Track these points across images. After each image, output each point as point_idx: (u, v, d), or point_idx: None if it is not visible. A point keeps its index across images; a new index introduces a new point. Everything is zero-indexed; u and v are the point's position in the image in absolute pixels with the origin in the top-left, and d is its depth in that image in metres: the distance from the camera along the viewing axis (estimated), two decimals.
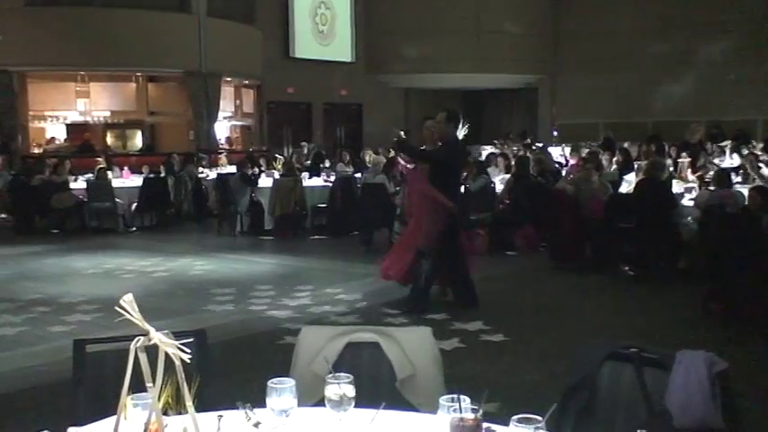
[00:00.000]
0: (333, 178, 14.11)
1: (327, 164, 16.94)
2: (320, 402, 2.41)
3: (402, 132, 8.34)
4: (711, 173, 11.59)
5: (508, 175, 12.83)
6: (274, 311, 8.17)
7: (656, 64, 26.41)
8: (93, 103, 21.74)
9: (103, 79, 21.71)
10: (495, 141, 20.77)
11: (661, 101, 26.37)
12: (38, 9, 19.44)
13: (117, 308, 1.85)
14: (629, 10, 27.24)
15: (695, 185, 10.83)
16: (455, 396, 2.09)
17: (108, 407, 2.40)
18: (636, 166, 13.09)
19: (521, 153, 15.94)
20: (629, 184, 11.25)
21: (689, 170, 12.55)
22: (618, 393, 2.65)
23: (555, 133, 28.51)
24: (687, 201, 10.04)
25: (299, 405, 2.29)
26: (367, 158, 16.32)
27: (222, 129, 23.92)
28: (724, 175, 9.97)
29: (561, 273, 9.88)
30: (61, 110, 21.55)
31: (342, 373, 2.31)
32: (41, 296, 9.02)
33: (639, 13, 27.08)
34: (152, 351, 1.88)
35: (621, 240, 9.66)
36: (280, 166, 14.90)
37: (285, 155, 19.21)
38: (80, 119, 21.77)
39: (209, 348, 3.04)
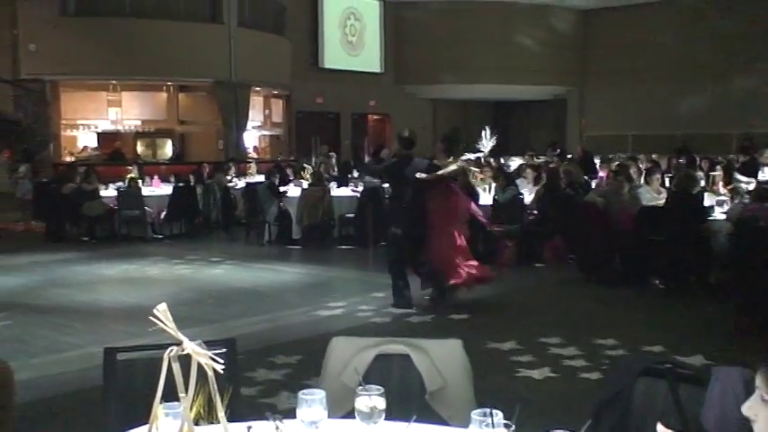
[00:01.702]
0: (360, 188, 14.10)
1: (356, 174, 16.94)
2: (349, 414, 2.40)
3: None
4: (743, 185, 11.47)
5: (537, 187, 12.76)
6: (302, 321, 8.17)
7: (686, 75, 26.22)
8: (125, 111, 21.95)
9: (135, 88, 21.91)
10: (531, 153, 20.66)
11: (690, 113, 26.14)
12: (71, 19, 19.65)
13: (151, 317, 1.84)
14: (658, 22, 27.11)
15: (727, 198, 10.69)
16: (488, 410, 2.06)
17: (138, 415, 2.40)
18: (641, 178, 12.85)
19: (552, 165, 15.86)
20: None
21: (721, 183, 12.40)
22: (652, 410, 2.61)
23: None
24: (719, 214, 9.92)
25: (329, 417, 2.27)
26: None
27: (251, 138, 24.04)
28: (763, 189, 9.81)
29: (590, 285, 9.80)
30: (93, 118, 21.76)
31: (372, 385, 2.29)
32: (72, 303, 9.09)
33: (668, 25, 26.92)
34: (184, 360, 1.87)
35: (652, 253, 9.55)
36: (308, 176, 14.92)
37: (313, 164, 19.22)
38: (111, 127, 21.97)
39: (239, 357, 3.04)
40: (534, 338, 7.22)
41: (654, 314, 8.36)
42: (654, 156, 18.04)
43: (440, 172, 8.53)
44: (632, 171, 12.98)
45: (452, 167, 8.75)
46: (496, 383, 5.65)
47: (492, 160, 18.15)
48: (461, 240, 8.72)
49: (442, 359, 2.98)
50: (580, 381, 5.91)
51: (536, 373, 6.17)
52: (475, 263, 8.68)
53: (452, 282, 8.58)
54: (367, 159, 18.02)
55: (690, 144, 22.27)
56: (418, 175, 8.44)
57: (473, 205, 9.35)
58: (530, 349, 6.88)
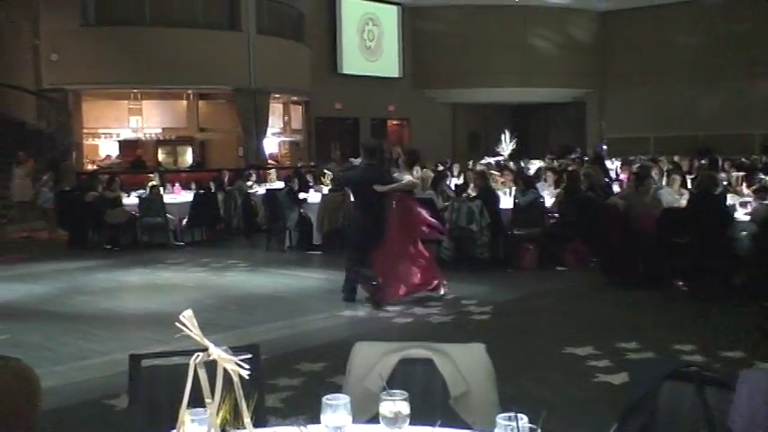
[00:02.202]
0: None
1: None
2: (373, 419, 2.39)
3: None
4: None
5: (557, 190, 12.72)
6: (323, 326, 8.18)
7: (707, 76, 26.07)
8: (146, 120, 22.10)
9: (155, 97, 22.06)
10: (550, 156, 20.61)
11: (712, 114, 25.98)
12: (92, 29, 19.83)
13: (177, 323, 1.85)
14: (677, 22, 26.98)
15: (750, 199, 10.60)
16: (513, 414, 2.05)
17: (162, 421, 2.41)
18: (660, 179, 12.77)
19: (572, 168, 15.81)
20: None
21: (744, 184, 12.31)
22: (679, 414, 2.59)
23: (604, 147, 28.26)
24: (742, 215, 9.83)
25: (353, 422, 2.27)
26: (415, 174, 16.27)
27: (271, 144, 24.12)
28: None
29: (612, 288, 9.74)
30: (114, 127, 21.93)
31: (396, 390, 2.29)
32: (95, 310, 9.14)
33: (688, 26, 26.79)
34: (209, 366, 1.88)
35: (674, 255, 9.48)
36: (328, 182, 14.94)
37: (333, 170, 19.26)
38: (132, 136, 22.13)
39: (261, 363, 3.04)
40: (555, 341, 7.19)
41: (677, 317, 8.28)
42: (676, 157, 17.92)
43: (394, 185, 8.96)
44: (654, 173, 12.93)
45: (407, 179, 9.23)
46: (522, 386, 5.63)
47: (511, 163, 18.12)
48: (414, 249, 9.14)
49: (465, 363, 2.97)
50: (601, 384, 5.87)
51: (556, 377, 6.15)
52: (418, 270, 9.09)
53: (383, 296, 8.91)
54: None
55: (712, 145, 22.12)
56: (376, 186, 8.80)
57: (428, 217, 9.61)
58: (550, 352, 6.85)
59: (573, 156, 20.48)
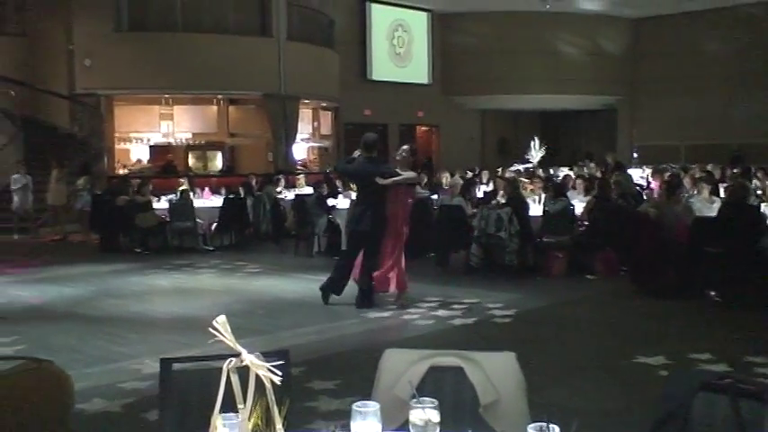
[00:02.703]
0: (409, 200, 14.07)
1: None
2: (403, 427, 2.39)
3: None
4: None
5: (588, 198, 12.64)
6: (351, 332, 8.19)
7: (740, 83, 25.81)
8: (176, 125, 22.27)
9: (186, 102, 22.23)
10: (581, 163, 20.51)
11: (745, 122, 25.70)
12: (124, 35, 20.04)
13: (209, 328, 1.86)
14: (710, 30, 26.74)
15: None
16: (544, 424, 2.04)
17: (192, 426, 2.42)
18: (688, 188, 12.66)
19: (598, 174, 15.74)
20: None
21: None
22: (712, 426, 2.55)
23: (634, 155, 28.08)
24: None
25: (383, 429, 2.26)
26: (443, 180, 16.28)
27: (300, 150, 24.19)
28: None
29: (643, 297, 9.65)
30: (145, 132, 22.12)
31: (426, 398, 2.28)
32: (125, 313, 9.22)
33: (721, 33, 26.55)
34: (242, 372, 1.88)
35: (707, 265, 9.38)
36: (357, 187, 14.94)
37: None
38: (163, 140, 22.30)
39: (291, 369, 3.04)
40: (585, 350, 7.14)
41: (710, 327, 8.19)
42: (709, 166, 17.76)
43: (397, 178, 9.09)
44: (685, 181, 12.83)
45: (409, 174, 9.39)
46: (553, 396, 5.59)
47: (541, 171, 18.05)
48: (400, 245, 9.29)
49: (495, 372, 2.95)
50: (633, 394, 5.82)
51: (587, 386, 6.11)
52: (397, 272, 9.28)
53: (380, 288, 9.26)
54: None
55: (744, 154, 21.89)
56: (382, 180, 8.98)
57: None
58: (581, 362, 6.80)
59: (591, 164, 20.36)
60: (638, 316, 8.80)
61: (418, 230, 12.82)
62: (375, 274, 9.22)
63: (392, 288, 9.31)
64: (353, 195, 14.17)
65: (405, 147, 9.93)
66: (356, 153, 9.52)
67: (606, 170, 17.35)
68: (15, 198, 16.65)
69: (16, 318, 8.99)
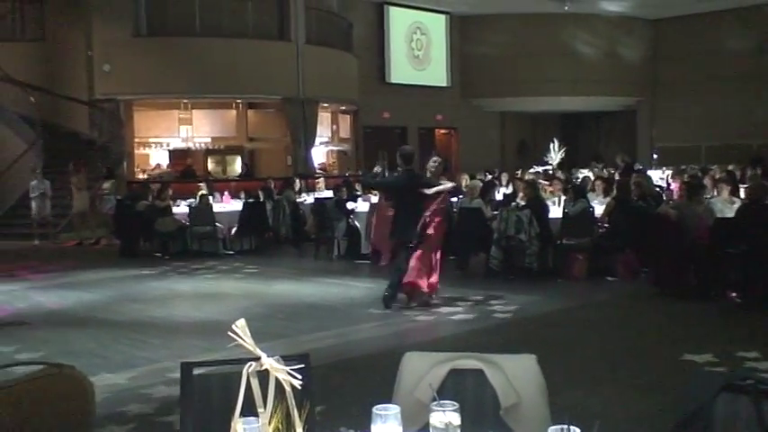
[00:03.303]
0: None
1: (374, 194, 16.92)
2: (423, 430, 2.39)
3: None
4: None
5: (607, 199, 12.58)
6: (372, 335, 8.19)
7: (761, 84, 25.59)
8: (195, 129, 22.36)
9: (205, 106, 22.32)
10: (601, 164, 20.43)
11: (766, 123, 25.47)
12: (144, 40, 20.15)
13: (229, 332, 1.87)
14: (731, 30, 26.55)
15: None
16: (565, 427, 2.03)
17: (213, 430, 2.43)
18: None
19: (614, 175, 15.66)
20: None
21: None
22: (734, 428, 2.54)
23: (654, 156, 27.93)
24: None
25: None
26: (463, 183, 16.26)
27: (319, 154, 24.24)
28: None
29: (663, 299, 9.59)
30: (165, 136, 22.22)
31: (446, 401, 2.28)
32: (146, 318, 9.27)
33: (741, 33, 26.35)
34: (261, 375, 1.89)
35: (728, 265, 9.31)
36: (376, 191, 14.95)
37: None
38: (182, 145, 22.40)
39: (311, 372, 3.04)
40: (606, 353, 7.11)
41: (732, 329, 8.13)
42: (730, 166, 17.63)
43: (440, 187, 9.42)
44: (706, 182, 12.75)
45: (449, 184, 9.92)
46: (573, 398, 5.57)
47: (560, 173, 17.98)
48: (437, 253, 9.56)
49: (516, 374, 2.95)
50: (654, 396, 5.78)
51: (608, 389, 6.08)
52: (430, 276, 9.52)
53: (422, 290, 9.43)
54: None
55: (765, 154, 21.71)
56: (427, 190, 9.26)
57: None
58: (602, 364, 6.77)
59: (600, 165, 20.24)
60: (659, 318, 8.75)
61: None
62: (411, 279, 9.36)
63: (424, 288, 9.44)
64: (374, 200, 14.23)
65: (435, 158, 10.12)
66: (377, 168, 9.77)
67: (616, 171, 17.23)
68: (33, 204, 16.73)
69: (38, 323, 9.05)
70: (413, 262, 9.27)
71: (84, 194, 16.78)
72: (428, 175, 9.66)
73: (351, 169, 24.14)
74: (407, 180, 9.31)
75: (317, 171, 22.84)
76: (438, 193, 9.35)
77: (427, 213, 9.29)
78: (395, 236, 9.51)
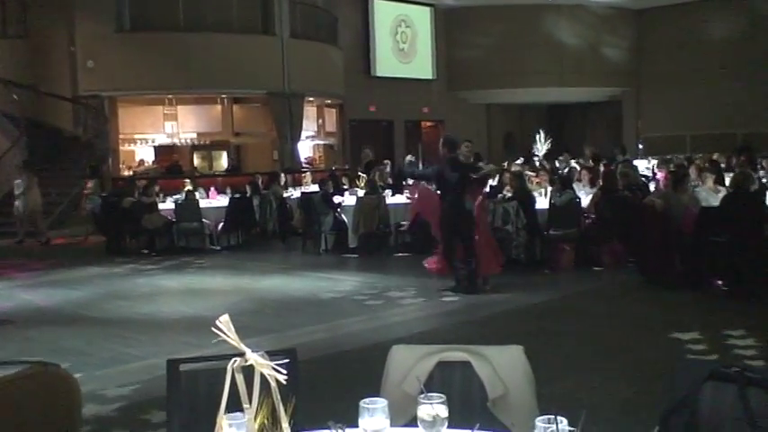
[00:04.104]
0: (416, 196, 14.05)
1: (410, 181, 16.91)
2: (411, 422, 2.39)
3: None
4: None
5: (593, 190, 12.62)
6: (360, 329, 8.19)
7: (746, 73, 25.67)
8: (181, 125, 22.25)
9: (190, 102, 22.21)
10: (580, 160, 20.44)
11: (751, 111, 25.56)
12: (126, 35, 20.02)
13: (213, 328, 1.86)
14: (715, 18, 26.62)
15: None
16: (552, 417, 2.04)
17: (201, 426, 2.42)
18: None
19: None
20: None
21: None
22: (720, 415, 2.55)
23: (640, 146, 27.99)
24: None
25: (391, 425, 2.26)
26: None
27: (305, 148, 24.18)
28: None
29: (650, 288, 9.64)
30: (150, 133, 22.11)
31: (434, 394, 2.28)
32: (133, 315, 9.24)
33: (725, 22, 26.42)
34: (247, 371, 1.89)
35: (713, 254, 9.36)
36: (363, 185, 14.96)
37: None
38: (168, 141, 22.29)
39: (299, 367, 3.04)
40: (593, 343, 7.13)
41: (717, 316, 8.16)
42: (715, 155, 17.68)
43: (484, 171, 9.90)
44: (691, 171, 12.80)
45: (491, 166, 10.46)
46: (561, 389, 5.59)
47: (546, 164, 18.01)
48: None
49: (503, 366, 2.96)
50: (640, 384, 5.81)
51: (594, 378, 6.10)
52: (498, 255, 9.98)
53: (487, 271, 9.76)
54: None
55: (751, 143, 21.80)
56: (475, 174, 9.56)
57: None
58: (589, 354, 6.80)
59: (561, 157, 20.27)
60: (645, 307, 8.78)
61: (425, 226, 12.83)
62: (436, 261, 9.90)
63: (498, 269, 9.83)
64: (360, 192, 14.23)
65: (467, 142, 10.39)
66: (409, 157, 9.92)
67: (587, 162, 17.23)
68: (17, 203, 16.55)
69: (24, 321, 9.01)
70: (479, 251, 9.56)
71: (35, 194, 16.49)
72: (462, 160, 9.79)
73: (337, 163, 24.09)
74: (455, 167, 9.42)
75: (304, 165, 22.80)
76: (484, 176, 9.73)
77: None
78: (447, 226, 9.64)
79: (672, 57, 27.45)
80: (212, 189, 16.46)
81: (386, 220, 13.50)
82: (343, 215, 13.76)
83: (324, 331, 8.14)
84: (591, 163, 16.51)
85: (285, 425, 1.91)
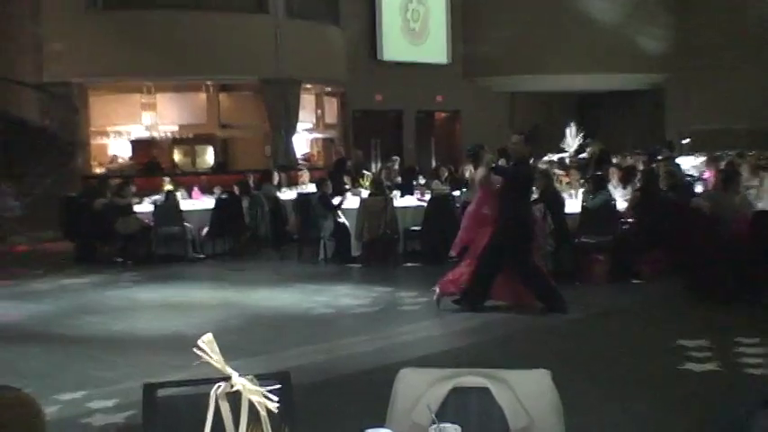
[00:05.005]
0: (428, 197, 14.09)
1: (422, 181, 16.95)
2: None
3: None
4: None
5: (627, 190, 12.62)
6: (364, 350, 8.19)
7: None
8: (160, 116, 22.24)
9: (171, 90, 22.22)
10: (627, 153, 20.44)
11: None
12: (99, 14, 20.03)
13: (195, 349, 1.86)
14: None
15: None
16: None
17: None
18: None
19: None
20: None
21: None
22: None
23: (685, 141, 27.92)
24: None
25: None
26: (467, 174, 16.27)
27: (302, 143, 24.19)
28: None
29: (697, 304, 9.62)
30: (125, 125, 22.12)
31: (447, 424, 2.28)
32: (104, 332, 9.26)
33: None
34: (234, 398, 1.89)
35: None
36: (367, 184, 14.97)
37: (373, 171, 19.29)
38: (145, 134, 22.31)
39: (293, 392, 3.04)
40: (631, 367, 7.12)
41: None
42: None
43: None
44: (744, 169, 12.78)
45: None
46: (593, 420, 5.59)
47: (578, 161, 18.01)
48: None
49: (526, 393, 2.95)
50: (683, 417, 5.81)
51: (630, 408, 6.09)
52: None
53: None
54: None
55: None
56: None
57: None
58: (625, 380, 6.79)
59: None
60: (691, 326, 8.75)
61: (438, 232, 12.84)
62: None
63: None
64: (364, 194, 14.24)
65: (515, 136, 10.34)
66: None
67: (590, 162, 17.23)
68: None
69: None
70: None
71: None
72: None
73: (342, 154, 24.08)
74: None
75: (300, 162, 22.80)
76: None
77: None
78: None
79: (723, 37, 27.35)
80: (195, 189, 16.48)
81: (393, 224, 13.48)
82: (344, 219, 13.76)
83: (322, 352, 8.14)
84: (592, 162, 16.54)
85: None
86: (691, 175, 16.18)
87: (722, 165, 14.68)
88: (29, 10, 20.11)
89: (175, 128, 22.58)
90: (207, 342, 1.87)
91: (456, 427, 2.27)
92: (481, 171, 9.86)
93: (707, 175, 15.65)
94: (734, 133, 26.71)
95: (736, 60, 26.89)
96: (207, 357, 1.86)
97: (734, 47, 26.97)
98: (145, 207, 14.92)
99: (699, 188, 13.84)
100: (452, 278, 9.71)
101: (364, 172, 17.13)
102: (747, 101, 26.75)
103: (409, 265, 13.32)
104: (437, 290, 9.74)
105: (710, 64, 27.68)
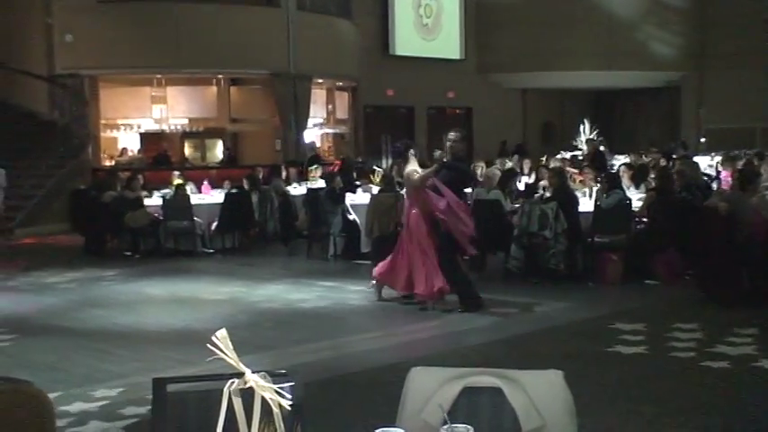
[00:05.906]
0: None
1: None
2: None
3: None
4: None
5: (640, 189, 12.58)
6: (372, 347, 8.19)
7: None
8: (170, 109, 22.33)
9: (181, 83, 22.29)
10: (642, 151, 20.42)
11: None
12: (111, 6, 20.10)
13: (208, 345, 1.87)
14: None
15: None
16: None
17: None
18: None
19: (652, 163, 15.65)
20: None
21: None
22: None
23: (702, 140, 27.85)
24: None
25: None
26: (478, 171, 16.25)
27: (312, 137, 24.20)
28: None
29: (712, 307, 9.57)
30: (135, 117, 22.20)
31: (459, 425, 2.28)
32: (113, 326, 9.27)
33: None
34: (246, 395, 1.89)
35: None
36: (378, 180, 14.94)
37: (384, 167, 19.29)
38: (155, 127, 22.39)
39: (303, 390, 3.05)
40: (644, 369, 7.10)
41: None
42: None
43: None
44: (762, 169, 12.74)
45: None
46: (606, 421, 5.58)
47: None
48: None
49: (539, 394, 2.94)
50: (697, 423, 5.79)
51: (645, 412, 6.08)
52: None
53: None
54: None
55: None
56: None
57: None
58: (638, 382, 6.77)
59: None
60: (707, 329, 8.72)
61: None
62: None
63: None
64: (374, 189, 14.22)
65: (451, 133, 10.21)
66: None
67: (584, 160, 17.20)
68: None
69: None
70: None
71: None
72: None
73: (349, 155, 24.09)
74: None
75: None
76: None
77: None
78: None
79: (741, 34, 27.24)
80: (205, 183, 16.51)
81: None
82: (355, 215, 13.75)
83: (331, 349, 8.14)
84: (584, 161, 16.54)
85: None
86: (708, 175, 16.12)
87: (739, 164, 14.64)
88: (40, 2, 20.16)
89: (185, 121, 22.66)
90: (221, 338, 1.87)
91: (468, 427, 2.27)
92: (412, 168, 9.91)
93: (723, 174, 15.60)
94: (752, 132, 26.63)
95: (754, 59, 26.80)
96: (221, 353, 1.86)
97: (754, 43, 26.85)
98: (154, 201, 14.94)
99: (715, 188, 13.80)
100: (384, 269, 9.96)
101: (375, 168, 17.10)
102: (764, 100, 26.64)
103: None
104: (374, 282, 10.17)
105: (729, 61, 27.59)
